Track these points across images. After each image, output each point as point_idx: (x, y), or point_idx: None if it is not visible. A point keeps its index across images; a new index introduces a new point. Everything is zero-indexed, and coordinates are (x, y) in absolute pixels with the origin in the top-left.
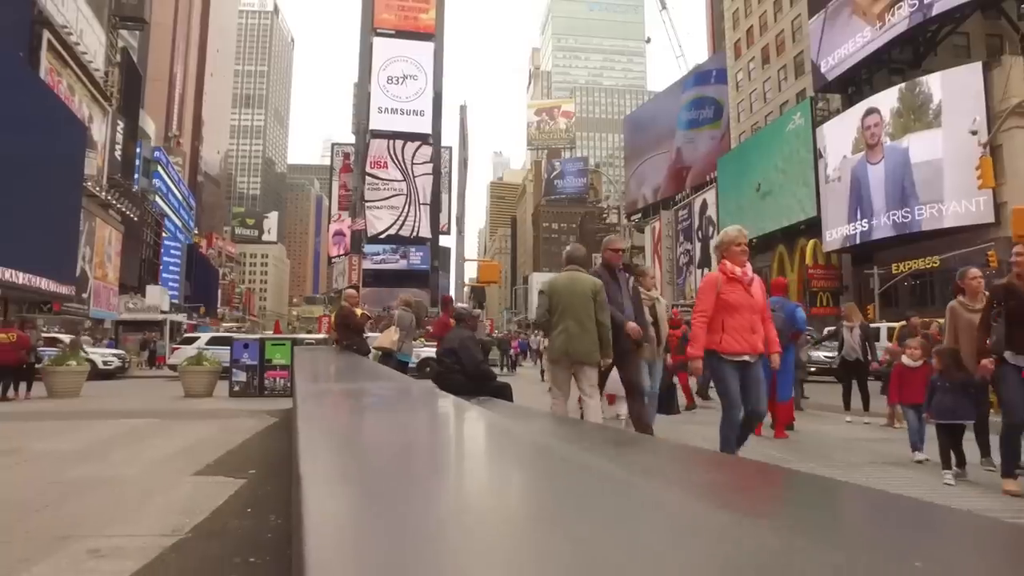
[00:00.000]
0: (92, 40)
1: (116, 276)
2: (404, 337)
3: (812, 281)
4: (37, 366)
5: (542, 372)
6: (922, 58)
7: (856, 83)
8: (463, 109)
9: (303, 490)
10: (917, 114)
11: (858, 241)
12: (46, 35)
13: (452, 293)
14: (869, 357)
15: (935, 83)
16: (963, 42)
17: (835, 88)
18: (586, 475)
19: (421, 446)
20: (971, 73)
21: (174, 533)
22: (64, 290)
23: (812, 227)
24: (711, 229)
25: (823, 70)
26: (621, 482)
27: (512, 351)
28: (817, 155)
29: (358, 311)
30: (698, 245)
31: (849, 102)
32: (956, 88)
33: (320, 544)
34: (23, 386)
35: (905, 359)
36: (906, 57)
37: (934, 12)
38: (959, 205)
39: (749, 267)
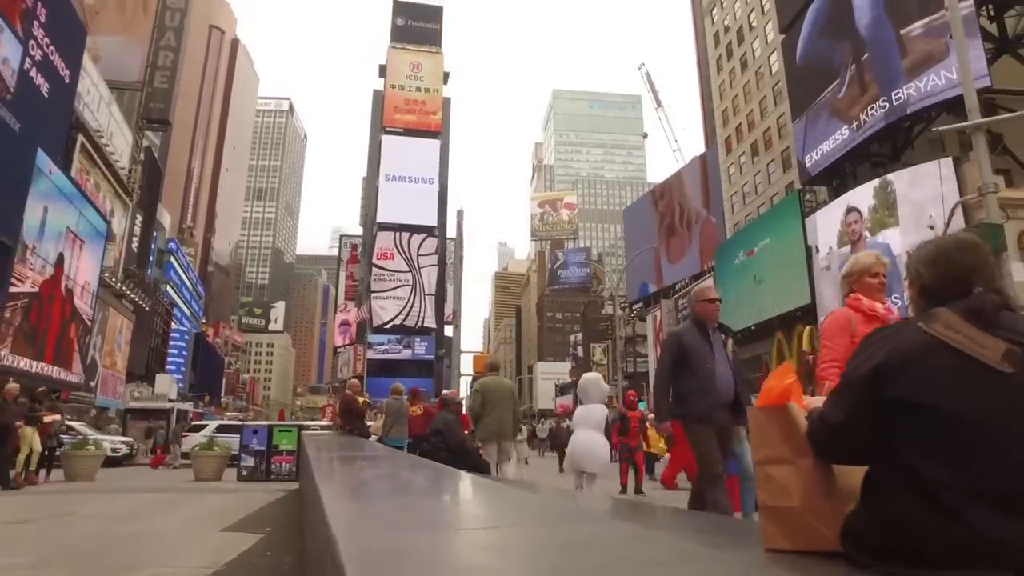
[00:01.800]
0: (120, 141)
1: (124, 364)
2: (391, 423)
3: (809, 365)
4: (57, 452)
5: (560, 462)
6: (900, 152)
7: (840, 175)
8: (460, 214)
9: (331, 527)
10: (891, 211)
11: None
12: (80, 138)
13: (453, 383)
14: None
15: (904, 179)
16: (938, 136)
17: (821, 181)
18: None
19: (417, 490)
20: (945, 168)
21: (212, 566)
22: (74, 379)
23: (808, 313)
24: None
25: (807, 165)
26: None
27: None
28: (807, 244)
29: (360, 399)
30: None
31: (835, 193)
32: (929, 182)
33: (350, 551)
34: (43, 472)
35: None
36: (886, 151)
37: (907, 111)
38: None
39: (891, 306)
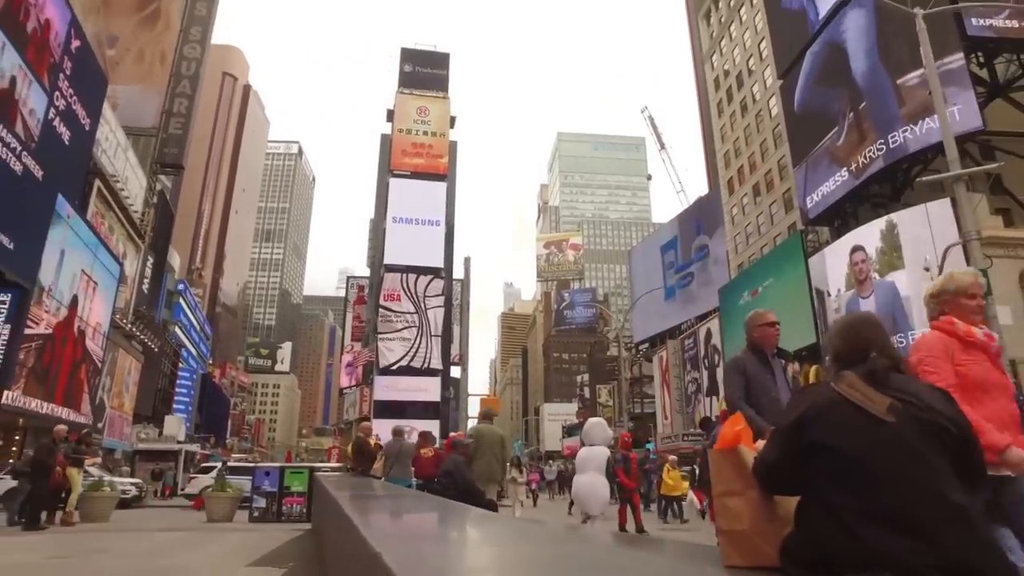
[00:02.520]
0: (135, 185)
1: (132, 405)
2: (392, 463)
3: None
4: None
5: (570, 505)
6: (900, 193)
7: (842, 216)
8: (468, 261)
9: (370, 542)
10: (898, 252)
11: None
12: (97, 183)
13: (461, 425)
14: None
15: (906, 220)
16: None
17: (822, 222)
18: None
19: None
20: (942, 208)
21: None
22: (82, 420)
23: (813, 352)
24: (716, 357)
25: (808, 206)
26: None
27: (530, 483)
28: (810, 284)
29: (372, 440)
30: (705, 374)
31: (837, 233)
32: (928, 223)
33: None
34: (58, 513)
35: None
36: (886, 192)
37: (905, 153)
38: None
39: (991, 332)
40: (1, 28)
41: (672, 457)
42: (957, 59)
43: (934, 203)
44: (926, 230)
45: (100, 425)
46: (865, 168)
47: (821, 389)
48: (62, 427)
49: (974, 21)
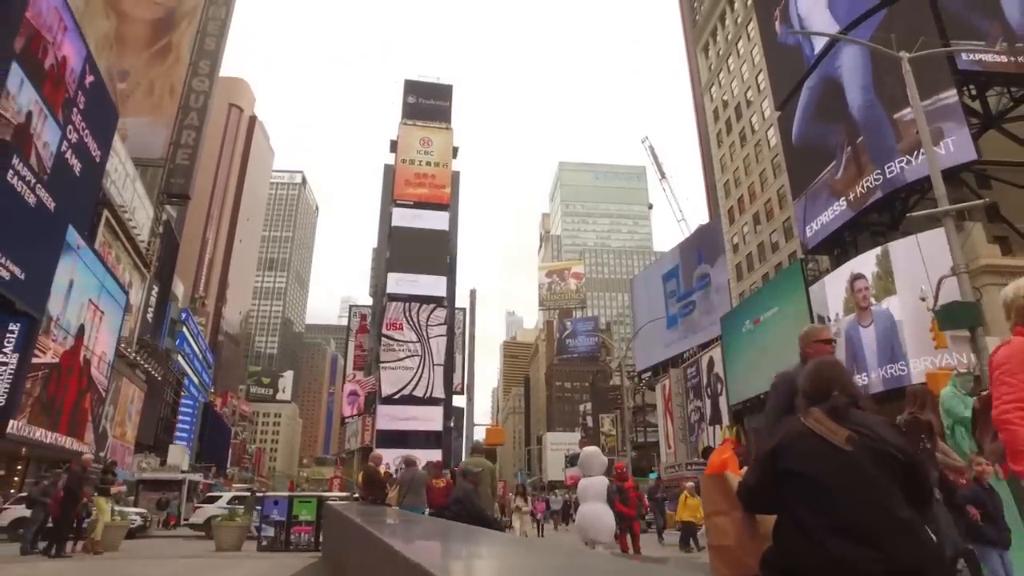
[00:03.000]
0: (142, 215)
1: (134, 435)
2: (405, 491)
3: None
4: (84, 523)
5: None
6: (898, 222)
7: (841, 244)
8: (473, 294)
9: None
10: (892, 278)
11: None
12: (105, 213)
13: (463, 455)
14: None
15: (900, 249)
16: (933, 206)
17: (822, 251)
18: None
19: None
20: (939, 237)
21: None
22: (85, 449)
23: None
24: (719, 386)
25: (808, 235)
26: None
27: (536, 514)
28: (811, 312)
29: (381, 470)
30: (708, 402)
31: (837, 262)
32: (924, 252)
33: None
34: (80, 542)
35: None
36: (885, 220)
37: (901, 183)
38: (951, 358)
39: None
40: (21, 65)
41: (689, 484)
42: (951, 95)
43: (924, 234)
44: (919, 258)
45: (102, 454)
46: (863, 198)
47: (792, 423)
48: (89, 456)
49: (964, 56)
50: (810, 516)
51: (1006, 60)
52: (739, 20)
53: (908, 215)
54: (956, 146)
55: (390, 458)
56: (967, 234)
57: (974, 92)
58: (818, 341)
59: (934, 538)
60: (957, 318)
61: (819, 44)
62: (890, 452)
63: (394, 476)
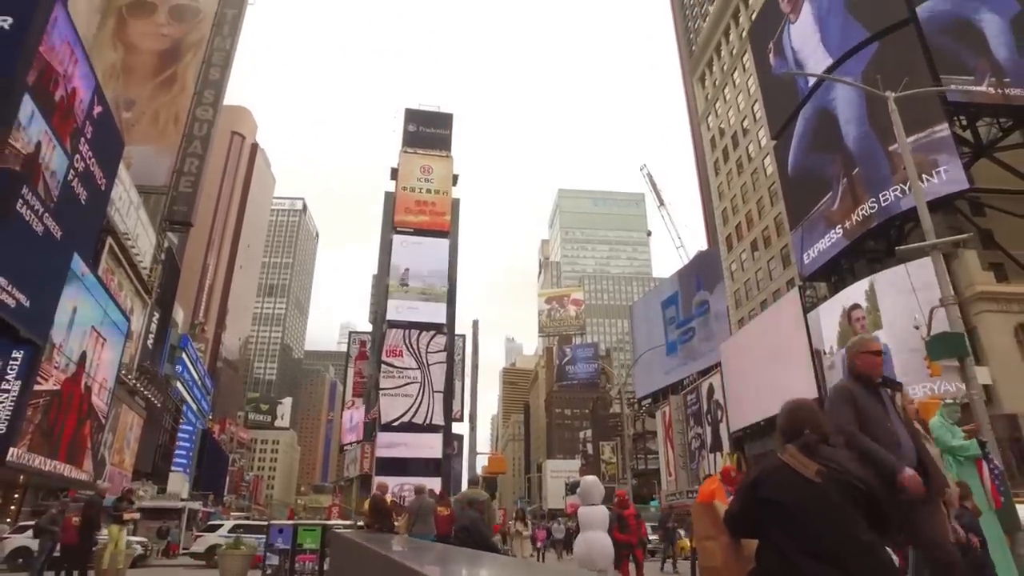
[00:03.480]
0: (144, 242)
1: (132, 462)
2: (413, 519)
3: None
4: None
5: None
6: (894, 249)
7: (838, 271)
8: (476, 324)
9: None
10: (880, 312)
11: None
12: (109, 240)
13: (465, 483)
14: None
15: (889, 278)
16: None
17: (819, 278)
18: None
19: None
20: (934, 265)
21: None
22: (83, 476)
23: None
24: (720, 412)
25: (805, 263)
26: None
27: (536, 541)
28: (810, 339)
29: (388, 498)
30: (708, 429)
31: (834, 288)
32: (916, 280)
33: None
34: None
35: None
36: (881, 247)
37: (897, 211)
38: (949, 385)
39: None
40: (32, 98)
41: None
42: (942, 128)
43: (915, 262)
44: (907, 287)
45: (100, 482)
46: (859, 226)
47: (771, 458)
48: (105, 485)
49: (953, 87)
50: (786, 540)
51: (992, 92)
52: (734, 51)
53: (897, 248)
54: (949, 176)
55: (391, 486)
56: (961, 261)
57: (964, 122)
58: (867, 352)
59: (893, 558)
60: (946, 348)
61: (811, 77)
62: (854, 484)
63: (400, 504)
